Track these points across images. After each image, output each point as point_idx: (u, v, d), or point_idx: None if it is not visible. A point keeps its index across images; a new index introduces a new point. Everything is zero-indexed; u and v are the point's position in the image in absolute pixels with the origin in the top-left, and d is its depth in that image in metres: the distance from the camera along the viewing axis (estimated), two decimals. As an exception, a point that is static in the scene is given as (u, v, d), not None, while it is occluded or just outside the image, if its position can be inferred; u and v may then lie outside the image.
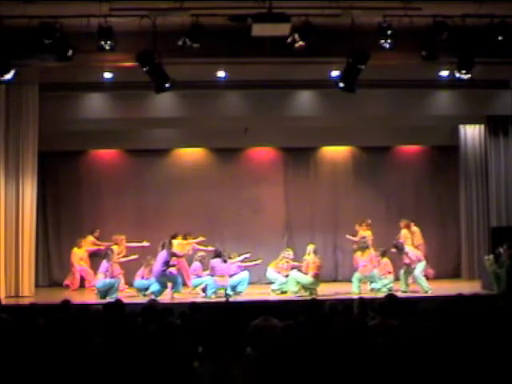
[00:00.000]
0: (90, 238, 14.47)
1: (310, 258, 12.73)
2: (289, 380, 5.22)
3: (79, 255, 14.30)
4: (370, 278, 12.85)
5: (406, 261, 12.67)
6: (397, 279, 12.98)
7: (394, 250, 12.92)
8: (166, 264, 12.35)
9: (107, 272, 12.58)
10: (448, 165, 15.83)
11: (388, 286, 12.70)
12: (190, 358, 5.57)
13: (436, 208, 15.82)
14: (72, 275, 14.41)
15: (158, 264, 12.38)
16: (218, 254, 12.66)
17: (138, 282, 13.08)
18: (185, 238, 13.87)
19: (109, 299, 11.44)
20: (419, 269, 12.59)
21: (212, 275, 12.52)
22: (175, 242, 13.32)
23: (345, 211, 15.46)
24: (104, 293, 12.41)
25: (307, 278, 12.50)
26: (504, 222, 14.66)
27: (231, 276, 12.65)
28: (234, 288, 12.50)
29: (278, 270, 13.11)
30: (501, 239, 13.13)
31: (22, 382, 5.33)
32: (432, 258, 14.22)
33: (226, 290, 12.20)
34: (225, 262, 12.63)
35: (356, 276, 12.92)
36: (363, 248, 12.98)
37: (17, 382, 5.33)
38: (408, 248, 12.86)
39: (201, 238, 14.04)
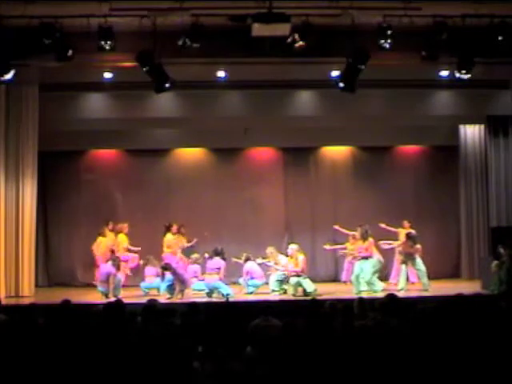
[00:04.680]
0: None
1: (300, 257, 12.68)
2: (289, 380, 5.22)
3: (106, 245, 13.78)
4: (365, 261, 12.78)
5: (413, 251, 12.85)
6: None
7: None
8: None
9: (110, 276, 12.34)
10: (448, 165, 15.83)
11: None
12: (189, 358, 5.57)
13: (436, 208, 15.80)
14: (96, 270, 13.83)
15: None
16: (217, 253, 12.64)
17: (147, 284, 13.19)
18: (178, 231, 13.84)
19: (112, 298, 11.46)
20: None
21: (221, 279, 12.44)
22: (169, 236, 13.49)
23: (345, 211, 15.45)
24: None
25: (308, 282, 12.55)
26: (504, 222, 14.66)
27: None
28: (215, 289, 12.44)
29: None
30: (501, 239, 13.13)
31: (22, 382, 5.33)
32: (431, 258, 14.20)
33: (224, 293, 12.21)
34: (224, 259, 12.62)
35: (354, 273, 12.88)
36: (365, 237, 12.94)
37: (17, 382, 5.33)
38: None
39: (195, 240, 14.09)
